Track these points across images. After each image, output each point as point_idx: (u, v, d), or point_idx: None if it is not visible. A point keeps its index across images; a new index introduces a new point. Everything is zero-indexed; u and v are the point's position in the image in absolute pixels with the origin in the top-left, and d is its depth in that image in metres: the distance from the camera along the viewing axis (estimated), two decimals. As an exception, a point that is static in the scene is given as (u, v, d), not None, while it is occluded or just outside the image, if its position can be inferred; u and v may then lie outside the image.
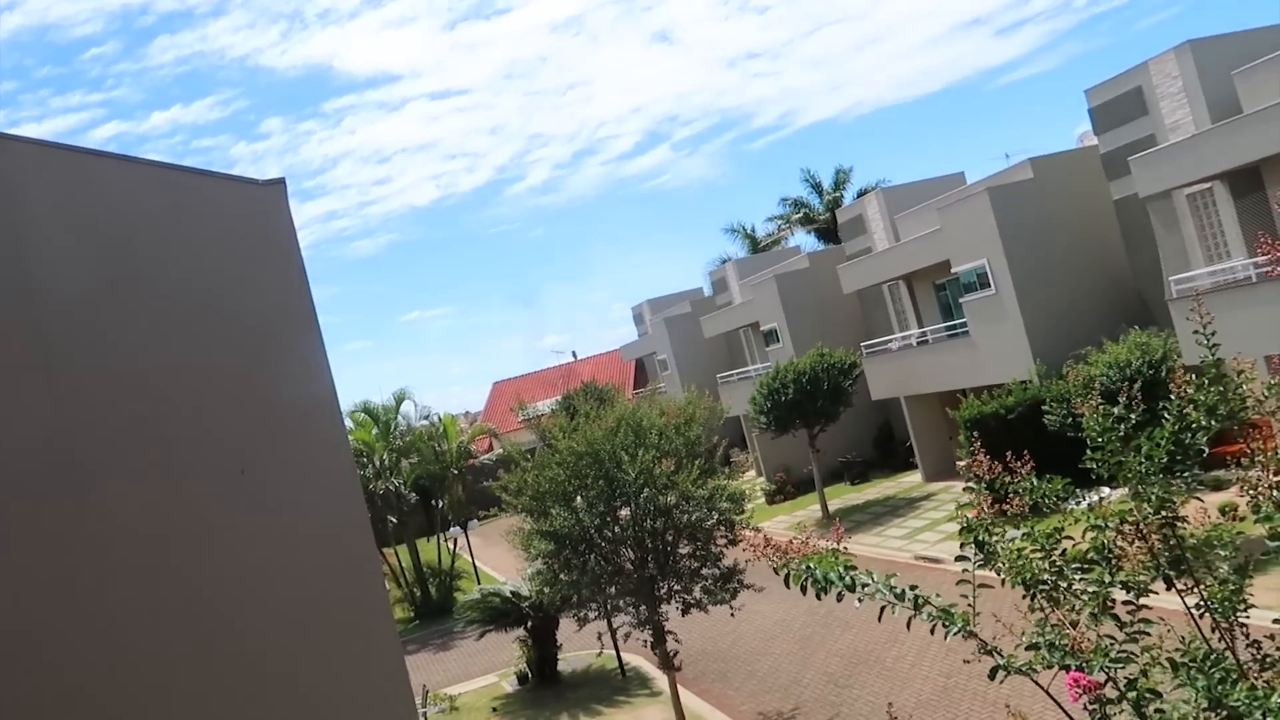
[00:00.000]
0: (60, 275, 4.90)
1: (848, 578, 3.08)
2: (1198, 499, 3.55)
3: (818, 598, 3.19)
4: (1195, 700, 2.87)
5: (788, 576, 3.23)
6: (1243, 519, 3.75)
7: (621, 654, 19.46)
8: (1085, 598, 3.31)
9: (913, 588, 3.18)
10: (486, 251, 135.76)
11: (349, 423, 29.81)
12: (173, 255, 5.85)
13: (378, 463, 30.51)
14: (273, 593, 5.50)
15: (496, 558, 34.16)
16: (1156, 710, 2.99)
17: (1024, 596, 3.42)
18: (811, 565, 3.14)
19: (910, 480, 31.03)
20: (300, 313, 6.75)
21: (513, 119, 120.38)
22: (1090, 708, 3.02)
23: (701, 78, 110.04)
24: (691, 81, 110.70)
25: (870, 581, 3.13)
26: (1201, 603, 3.42)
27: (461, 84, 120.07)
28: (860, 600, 3.15)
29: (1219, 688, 2.85)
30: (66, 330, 4.88)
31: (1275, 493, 2.85)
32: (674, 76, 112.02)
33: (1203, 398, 3.44)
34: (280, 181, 7.08)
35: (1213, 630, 3.42)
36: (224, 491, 5.46)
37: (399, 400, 32.70)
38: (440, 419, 34.83)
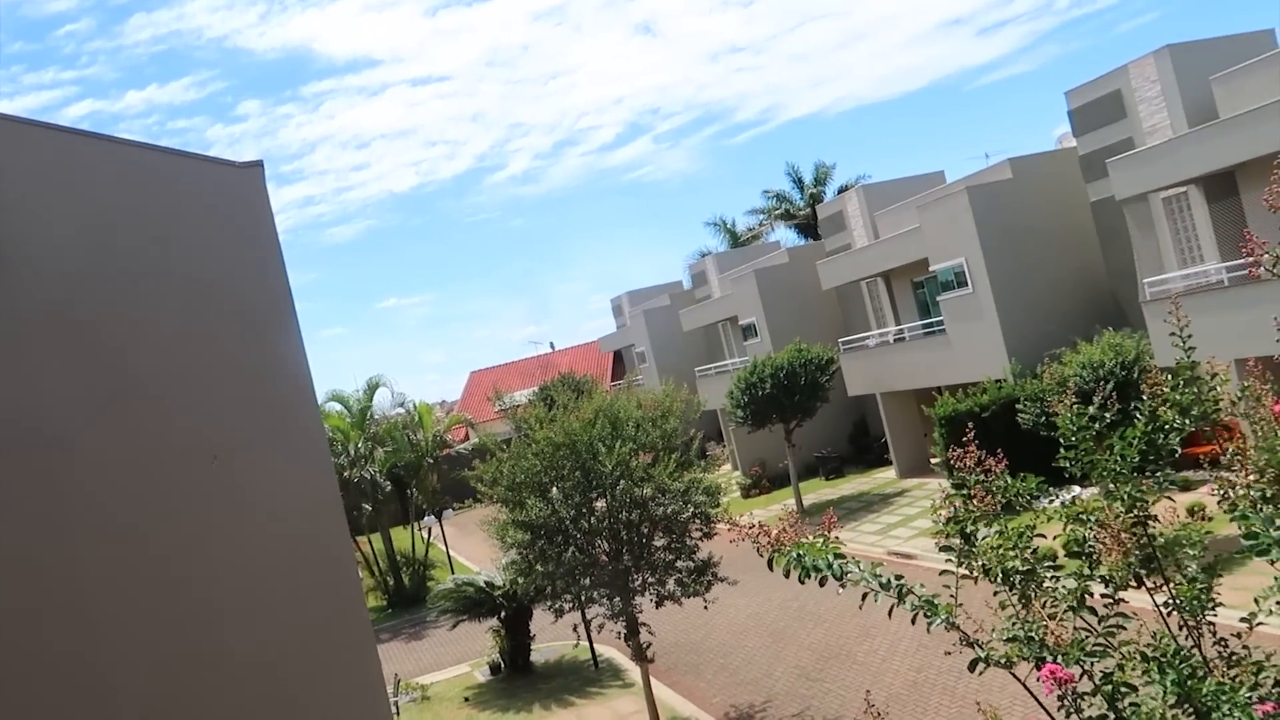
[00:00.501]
0: (31, 253, 4.82)
1: (836, 566, 3.10)
2: (1169, 498, 3.59)
3: (800, 582, 3.20)
4: (1165, 695, 2.90)
5: (771, 560, 3.24)
6: (1211, 519, 3.80)
7: (595, 645, 19.49)
8: (1062, 592, 3.35)
9: (898, 577, 3.20)
10: (465, 240, 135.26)
11: (324, 409, 29.62)
12: (147, 236, 5.77)
13: (352, 451, 30.34)
14: (244, 580, 5.45)
15: (471, 547, 34.08)
16: (1131, 704, 3.02)
17: (995, 593, 3.45)
18: (801, 552, 3.16)
19: (884, 476, 31.24)
20: (277, 297, 6.68)
21: (494, 107, 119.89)
22: (1064, 701, 3.05)
23: (684, 70, 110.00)
24: (674, 74, 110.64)
25: (857, 570, 3.15)
26: (1170, 600, 3.47)
27: (442, 70, 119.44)
28: (844, 587, 3.17)
29: (1189, 682, 2.88)
30: (35, 308, 4.81)
31: (1252, 492, 2.89)
32: (656, 69, 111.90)
33: (1178, 397, 3.48)
34: (258, 164, 7.00)
35: (1180, 628, 3.46)
36: (195, 477, 5.40)
37: (373, 388, 32.51)
38: (416, 407, 34.66)
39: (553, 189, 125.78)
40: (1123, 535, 3.33)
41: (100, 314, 5.19)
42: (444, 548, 32.02)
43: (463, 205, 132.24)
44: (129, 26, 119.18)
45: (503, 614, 19.98)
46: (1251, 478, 2.95)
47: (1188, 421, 3.45)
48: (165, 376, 5.47)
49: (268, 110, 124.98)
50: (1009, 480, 3.59)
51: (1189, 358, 3.52)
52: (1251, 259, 3.29)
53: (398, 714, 17.61)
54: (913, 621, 3.17)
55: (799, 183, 51.50)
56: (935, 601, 3.18)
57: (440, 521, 30.02)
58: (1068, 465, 3.67)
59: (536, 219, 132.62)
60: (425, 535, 32.19)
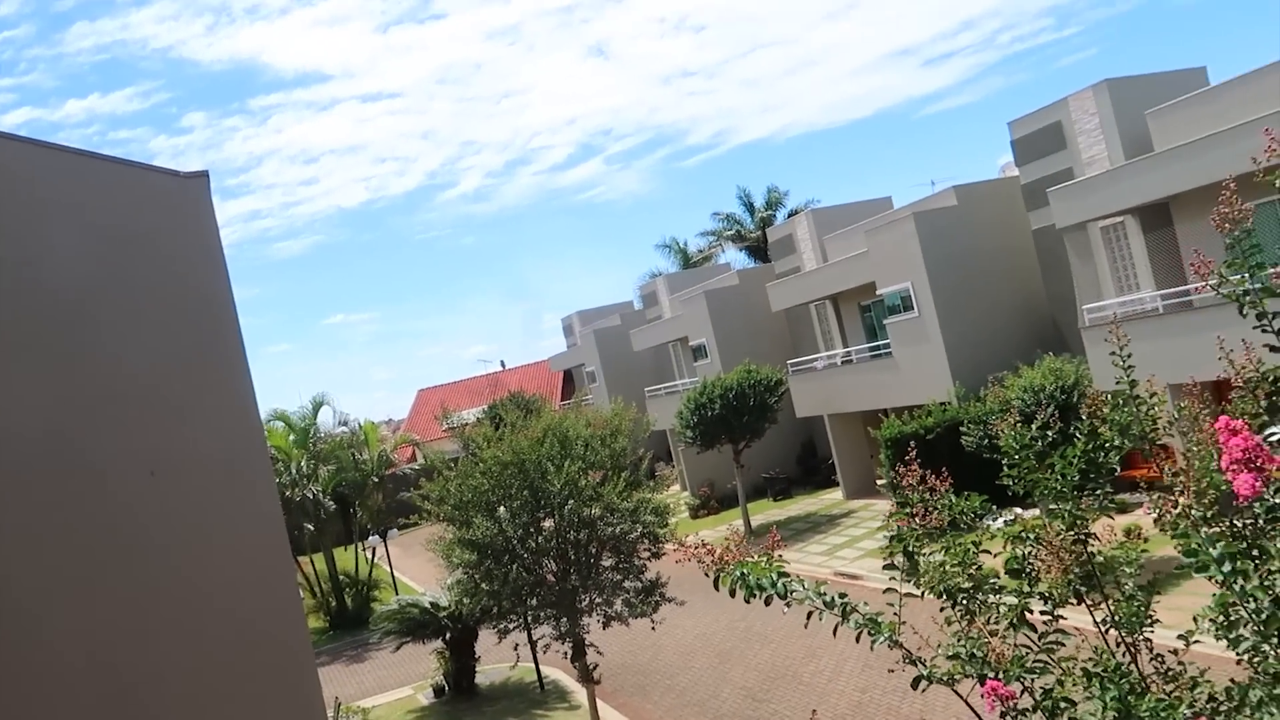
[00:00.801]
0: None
1: (780, 585, 3.10)
2: (1108, 516, 3.66)
3: (746, 601, 3.20)
4: (1104, 711, 2.95)
5: (717, 579, 3.24)
6: (1147, 540, 3.89)
7: (541, 667, 19.29)
8: (1003, 609, 3.39)
9: (841, 595, 3.21)
10: (415, 257, 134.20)
11: (268, 427, 29.02)
12: (86, 245, 5.62)
13: (294, 470, 29.78)
14: (181, 596, 5.30)
15: (415, 568, 33.59)
16: (1069, 719, 3.07)
17: (942, 609, 3.48)
18: (745, 571, 3.16)
19: (831, 498, 31.49)
20: (220, 311, 6.55)
21: (445, 125, 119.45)
22: (1006, 717, 3.08)
23: (636, 93, 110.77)
24: (626, 96, 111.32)
25: (801, 589, 3.16)
26: (1109, 618, 3.53)
27: (393, 87, 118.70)
28: (789, 606, 3.17)
29: (1129, 698, 2.93)
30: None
31: (1194, 512, 2.96)
32: (609, 91, 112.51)
33: (1117, 417, 3.56)
34: (203, 175, 6.87)
35: (1118, 645, 3.53)
36: (132, 489, 5.25)
37: (317, 406, 32.03)
38: (361, 426, 34.18)
39: (504, 207, 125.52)
40: (1062, 553, 3.39)
41: (36, 323, 5.04)
42: (388, 568, 31.53)
43: (413, 222, 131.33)
44: (70, 35, 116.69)
45: (447, 635, 19.70)
46: (1187, 500, 3.02)
47: (1126, 440, 3.54)
48: (102, 387, 5.32)
49: (213, 122, 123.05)
50: (953, 499, 3.65)
51: (1128, 377, 3.61)
52: (1204, 283, 3.36)
53: (338, 738, 17.23)
54: (857, 640, 3.19)
55: (750, 206, 52.06)
56: (879, 620, 3.21)
57: (385, 541, 29.56)
58: (1010, 484, 3.73)
59: (488, 237, 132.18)
60: (369, 555, 31.66)
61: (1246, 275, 3.17)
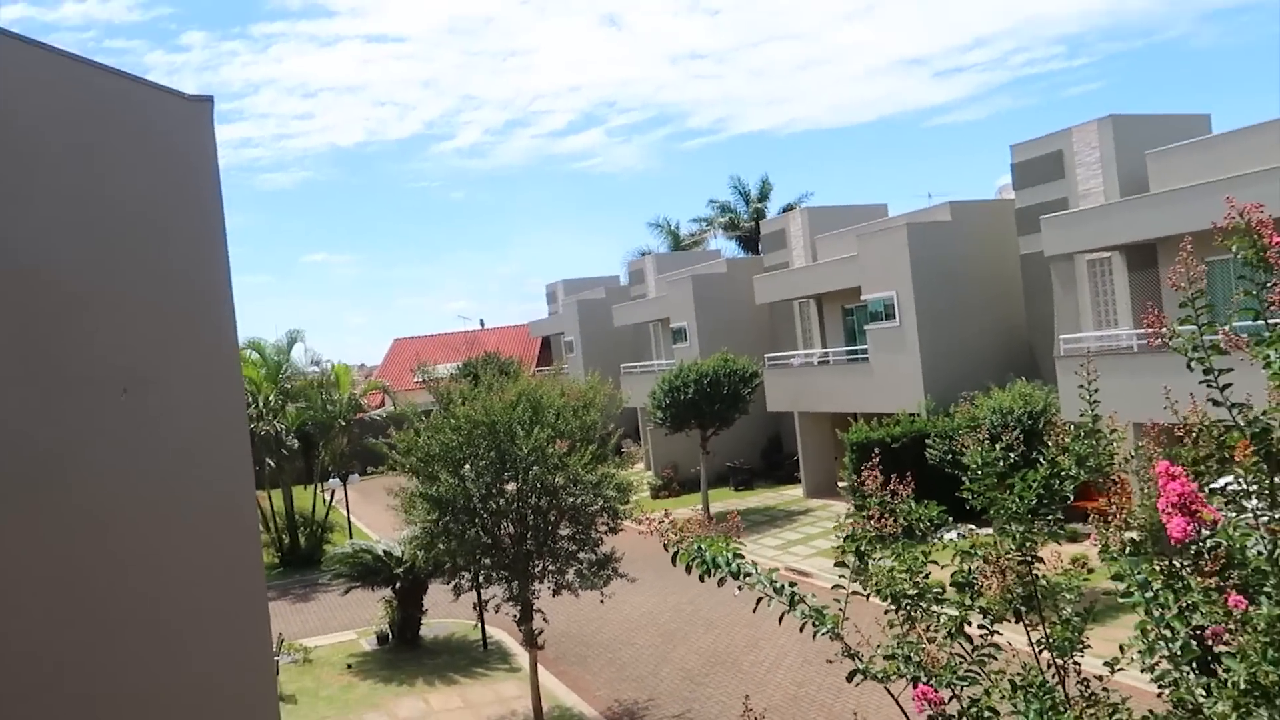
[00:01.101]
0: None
1: (734, 564, 3.21)
2: (1058, 543, 3.80)
3: (701, 580, 3.30)
4: (1025, 725, 3.09)
5: (675, 555, 3.33)
6: (1092, 571, 4.04)
7: (486, 626, 19.45)
8: (943, 619, 3.52)
9: (791, 584, 3.33)
10: (404, 206, 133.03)
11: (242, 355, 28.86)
12: (79, 155, 5.60)
13: (261, 403, 29.67)
14: (141, 513, 5.35)
15: (373, 515, 33.63)
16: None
17: (886, 613, 3.61)
18: (703, 547, 3.26)
19: (791, 494, 31.81)
20: (210, 239, 6.55)
21: (448, 76, 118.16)
22: (932, 720, 3.22)
23: (644, 68, 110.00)
24: (634, 70, 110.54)
25: (754, 572, 3.26)
26: (1044, 639, 3.68)
27: (400, 31, 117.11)
28: (740, 588, 3.28)
29: (1050, 714, 3.07)
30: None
31: (1124, 538, 3.10)
32: (617, 63, 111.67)
33: (1077, 447, 3.69)
34: (208, 100, 6.85)
35: (1049, 666, 3.67)
36: (105, 407, 5.28)
37: (292, 342, 31.85)
38: (333, 367, 34.06)
39: (499, 166, 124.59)
40: (1008, 571, 3.52)
41: (14, 226, 5.02)
42: (345, 512, 31.55)
43: (405, 170, 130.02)
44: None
45: (397, 585, 19.80)
46: (1128, 533, 3.16)
47: (1083, 471, 3.67)
48: (81, 301, 5.33)
49: (212, 44, 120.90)
50: (912, 505, 3.77)
51: (1093, 411, 3.74)
52: (1151, 330, 3.52)
53: (278, 673, 17.32)
54: (800, 630, 3.31)
55: (745, 195, 52.09)
56: (824, 612, 3.32)
57: (345, 485, 29.58)
58: (969, 498, 3.86)
59: (479, 194, 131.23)
60: (327, 498, 31.66)
61: (1196, 331, 3.31)
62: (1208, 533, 3.00)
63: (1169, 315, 3.43)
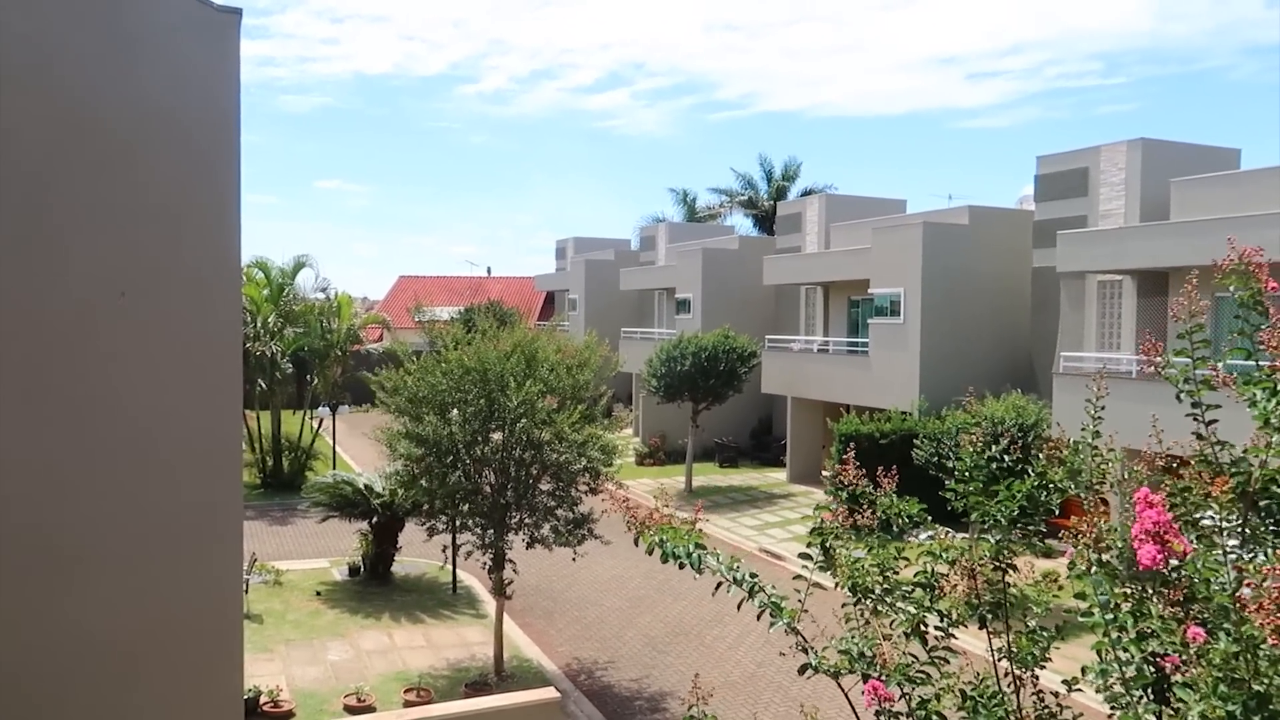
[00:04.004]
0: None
1: (695, 556, 3.23)
2: (1033, 554, 3.81)
3: (663, 562, 3.32)
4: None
5: (638, 537, 3.34)
6: (1061, 588, 4.05)
7: (457, 571, 19.59)
8: (902, 618, 3.53)
9: (752, 575, 3.33)
10: (421, 144, 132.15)
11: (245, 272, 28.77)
12: (98, 54, 5.53)
13: (260, 324, 29.63)
14: (126, 416, 5.35)
15: (357, 448, 33.76)
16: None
17: (844, 605, 3.62)
18: (664, 539, 3.28)
19: (775, 477, 31.92)
20: (222, 153, 6.48)
21: (480, 18, 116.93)
22: (881, 716, 3.23)
23: (677, 34, 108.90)
24: (667, 35, 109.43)
25: (715, 562, 3.28)
26: (1005, 648, 3.69)
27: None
28: (699, 575, 3.30)
29: (998, 725, 3.09)
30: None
31: (1098, 568, 3.10)
32: (651, 25, 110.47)
33: (1073, 461, 3.70)
34: (236, 12, 6.74)
35: (1005, 675, 3.69)
36: (102, 311, 5.26)
37: (298, 267, 31.73)
38: (336, 296, 33.98)
39: (521, 115, 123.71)
40: (978, 577, 3.53)
41: (24, 120, 4.96)
42: (331, 442, 31.65)
43: (427, 108, 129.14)
44: None
45: (374, 520, 19.91)
46: (1099, 549, 3.16)
47: (1072, 486, 3.68)
48: (85, 201, 5.28)
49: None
50: (893, 499, 3.77)
51: (1095, 427, 3.74)
52: (1147, 358, 3.54)
53: (246, 591, 17.46)
54: (758, 618, 3.33)
55: (768, 175, 51.78)
56: (781, 604, 3.34)
57: (334, 415, 29.63)
58: (952, 499, 3.87)
59: (498, 141, 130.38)
60: (315, 425, 31.74)
61: (1190, 365, 3.35)
62: (1176, 563, 3.02)
63: (1170, 345, 3.44)
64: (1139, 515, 2.81)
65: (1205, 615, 3.02)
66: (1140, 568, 2.82)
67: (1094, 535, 3.07)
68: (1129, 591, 3.17)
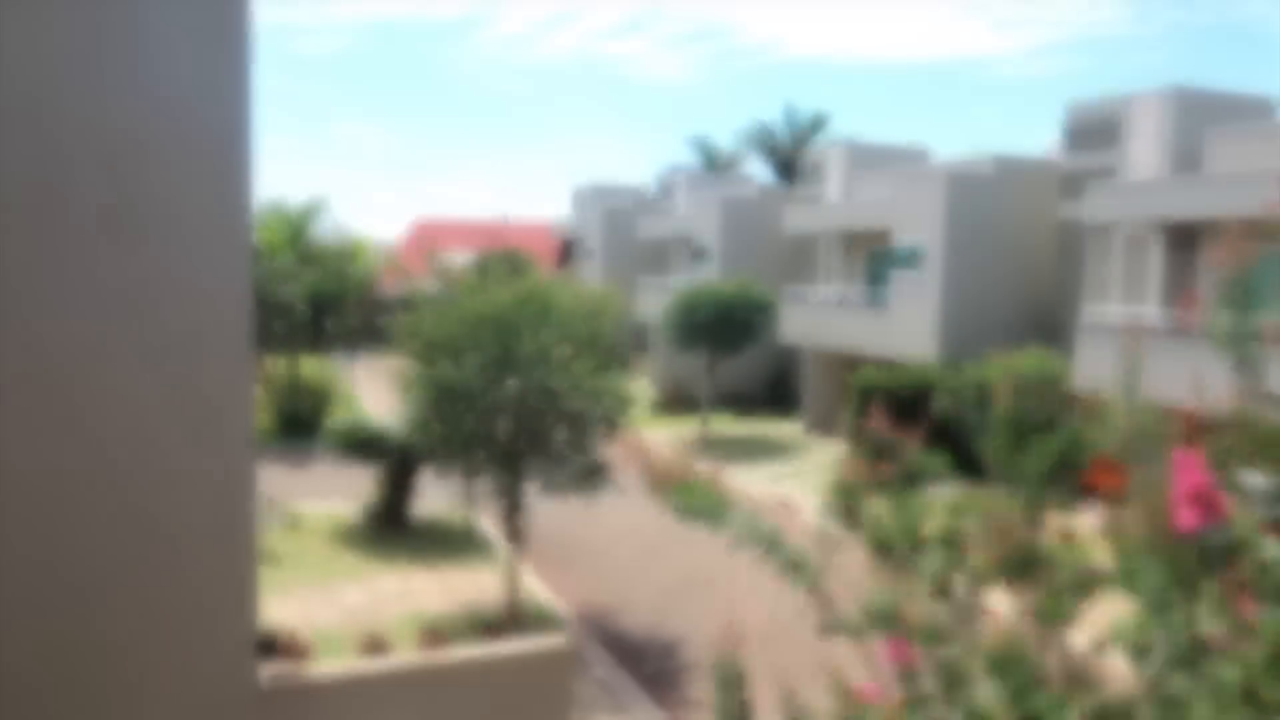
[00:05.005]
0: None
1: (718, 515, 3.13)
2: (1064, 512, 3.67)
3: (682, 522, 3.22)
4: (998, 695, 3.00)
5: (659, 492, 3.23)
6: (1085, 549, 3.92)
7: (473, 517, 19.70)
8: (928, 574, 3.41)
9: (773, 531, 3.22)
10: (442, 88, 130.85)
11: (261, 218, 28.66)
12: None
13: (276, 266, 29.58)
14: (129, 354, 5.27)
15: (374, 393, 33.87)
16: (963, 694, 3.12)
17: (870, 561, 3.50)
18: (685, 500, 3.18)
19: (791, 428, 31.87)
20: (235, 90, 6.30)
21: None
22: (903, 674, 3.13)
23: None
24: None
25: (736, 525, 3.17)
26: (1033, 607, 3.57)
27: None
28: (718, 533, 3.19)
29: (1026, 688, 2.98)
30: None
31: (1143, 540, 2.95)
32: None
33: (1116, 417, 3.53)
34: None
35: (1034, 635, 3.57)
36: (108, 247, 5.15)
37: (315, 209, 31.59)
38: (353, 240, 33.87)
39: (541, 59, 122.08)
40: (1010, 534, 3.39)
41: (32, 43, 4.81)
42: (349, 386, 31.78)
43: (446, 53, 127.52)
44: None
45: (390, 464, 19.99)
46: (1140, 515, 3.02)
47: (1110, 440, 3.52)
48: (94, 128, 5.14)
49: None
50: (919, 453, 3.63)
51: (1131, 382, 3.56)
52: (1187, 312, 3.33)
53: (264, 533, 17.62)
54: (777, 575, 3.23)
55: (792, 123, 51.00)
56: (802, 563, 3.22)
57: (351, 360, 29.68)
58: (988, 453, 3.73)
59: (517, 86, 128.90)
60: (333, 369, 31.85)
61: (1235, 317, 3.10)
62: (1219, 530, 2.85)
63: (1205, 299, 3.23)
64: (1179, 477, 2.66)
65: (1255, 584, 2.87)
66: (1178, 534, 2.66)
67: (1147, 507, 2.91)
68: (1172, 560, 3.02)
